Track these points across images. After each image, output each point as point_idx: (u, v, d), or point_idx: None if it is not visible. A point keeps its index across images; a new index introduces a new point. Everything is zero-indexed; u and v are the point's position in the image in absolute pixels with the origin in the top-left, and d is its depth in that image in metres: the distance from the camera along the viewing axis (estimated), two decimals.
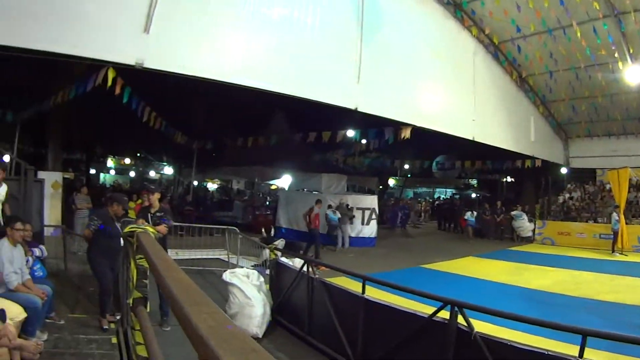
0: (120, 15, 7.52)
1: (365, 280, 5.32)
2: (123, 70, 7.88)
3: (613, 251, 15.34)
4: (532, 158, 19.66)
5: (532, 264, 13.48)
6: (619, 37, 14.37)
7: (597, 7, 13.36)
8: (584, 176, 21.90)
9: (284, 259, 7.58)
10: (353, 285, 5.76)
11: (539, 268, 12.83)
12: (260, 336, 6.26)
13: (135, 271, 3.39)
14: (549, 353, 3.44)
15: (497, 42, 16.43)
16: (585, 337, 3.24)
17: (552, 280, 11.00)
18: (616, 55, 14.78)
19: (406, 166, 33.21)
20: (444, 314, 4.20)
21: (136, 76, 8.33)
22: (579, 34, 14.18)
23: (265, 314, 6.47)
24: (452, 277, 11.41)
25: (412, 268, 12.28)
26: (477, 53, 15.99)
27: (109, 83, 7.85)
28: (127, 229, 3.74)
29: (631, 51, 14.61)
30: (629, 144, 20.11)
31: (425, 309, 4.61)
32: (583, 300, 9.04)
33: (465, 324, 3.96)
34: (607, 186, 18.81)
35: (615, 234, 15.39)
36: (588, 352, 3.28)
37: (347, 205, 16.40)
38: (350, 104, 10.80)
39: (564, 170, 22.40)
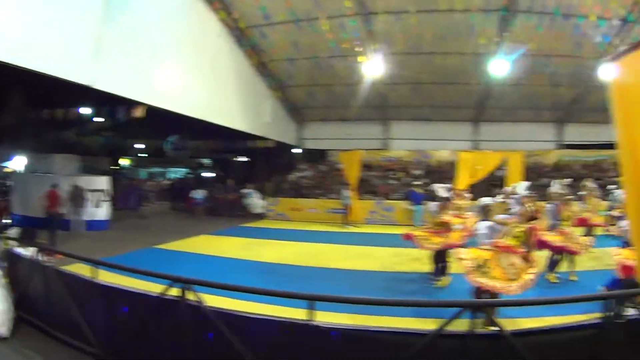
0: None
1: (98, 264, 5.21)
2: None
3: (345, 224, 17.13)
4: (265, 139, 20.54)
5: (266, 238, 14.08)
6: (365, 34, 16.05)
7: (349, 5, 14.64)
8: (317, 157, 24.01)
9: (18, 249, 6.74)
10: (89, 272, 5.24)
11: (274, 242, 13.47)
12: (6, 335, 5.55)
13: None
14: (282, 320, 3.75)
15: (244, 26, 16.44)
16: (312, 301, 3.59)
17: (288, 253, 11.62)
18: (359, 49, 16.41)
19: (141, 146, 31.59)
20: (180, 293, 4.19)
21: None
22: (326, 27, 15.34)
23: (7, 311, 5.75)
24: (186, 255, 11.32)
25: (147, 249, 11.80)
26: (222, 36, 15.89)
27: None
28: None
29: (375, 47, 16.40)
30: (362, 129, 23.04)
31: (161, 289, 4.42)
32: (321, 269, 9.80)
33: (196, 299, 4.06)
34: (338, 166, 20.87)
35: (347, 208, 17.23)
36: (324, 315, 3.69)
37: (79, 187, 14.70)
38: (86, 80, 9.64)
39: (297, 151, 24.11)
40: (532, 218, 6.16)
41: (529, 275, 5.48)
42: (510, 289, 5.39)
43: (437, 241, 8.18)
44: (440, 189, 9.78)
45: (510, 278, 5.51)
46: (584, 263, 9.09)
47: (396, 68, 17.35)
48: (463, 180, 15.69)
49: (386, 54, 16.59)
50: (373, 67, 16.50)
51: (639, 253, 4.58)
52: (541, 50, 16.25)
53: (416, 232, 8.66)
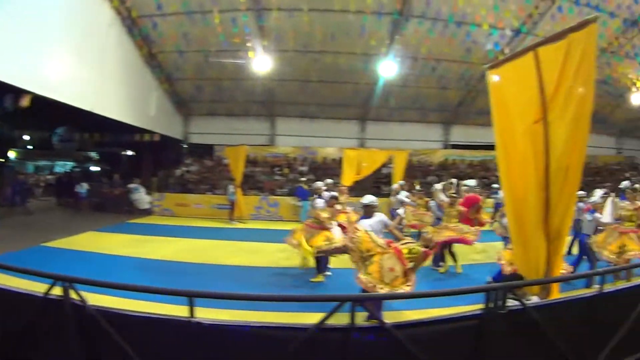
0: None
1: None
2: None
3: (231, 220, 16.87)
4: (151, 132, 19.75)
5: (153, 235, 13.56)
6: (257, 29, 16.07)
7: (242, 0, 14.60)
8: (203, 152, 23.40)
9: None
10: None
11: (161, 239, 12.98)
12: None
13: None
14: (164, 317, 3.71)
15: (136, 16, 15.78)
16: (191, 298, 3.51)
17: (174, 249, 11.33)
18: (249, 44, 16.33)
19: (27, 138, 28.96)
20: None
21: None
22: (217, 21, 15.03)
23: None
24: (73, 253, 10.62)
25: (34, 247, 10.82)
26: (113, 25, 15.13)
27: None
28: None
29: (265, 43, 16.49)
30: (249, 124, 22.87)
31: (44, 289, 4.14)
32: (208, 265, 9.69)
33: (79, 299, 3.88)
34: (225, 161, 20.48)
35: (232, 204, 16.97)
36: (207, 311, 3.65)
37: None
38: None
39: (183, 146, 23.37)
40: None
41: (401, 288, 5.56)
42: (378, 289, 5.47)
43: (318, 240, 8.30)
44: (321, 186, 10.02)
45: (383, 280, 5.57)
46: (470, 256, 9.74)
47: (285, 65, 17.64)
48: (348, 176, 16.00)
49: (276, 51, 16.76)
50: (262, 63, 16.56)
51: (517, 249, 4.89)
52: (432, 54, 17.40)
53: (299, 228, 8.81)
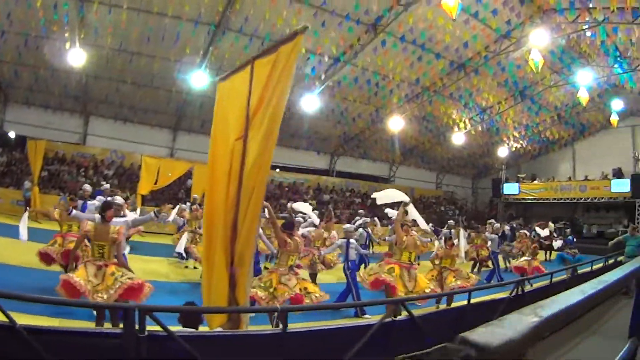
0: None
1: None
2: None
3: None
4: None
5: None
6: (76, 20, 15.43)
7: None
8: (15, 143, 21.67)
9: None
10: None
11: None
12: None
13: None
14: None
15: None
16: None
17: None
18: (67, 35, 15.65)
19: None
20: None
21: None
22: (38, 4, 14.16)
23: None
24: None
25: None
26: None
27: None
28: None
29: (82, 36, 15.87)
30: (64, 119, 21.58)
31: None
32: None
33: None
34: None
35: (27, 201, 16.02)
36: None
37: None
38: None
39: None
40: None
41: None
42: None
43: None
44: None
45: None
46: None
47: (101, 62, 17.07)
48: (146, 185, 15.65)
49: (92, 46, 16.23)
50: (77, 56, 15.92)
51: (205, 274, 4.38)
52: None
53: None
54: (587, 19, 16.13)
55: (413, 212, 7.88)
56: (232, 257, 3.97)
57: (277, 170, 26.30)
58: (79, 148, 22.17)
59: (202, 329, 4.17)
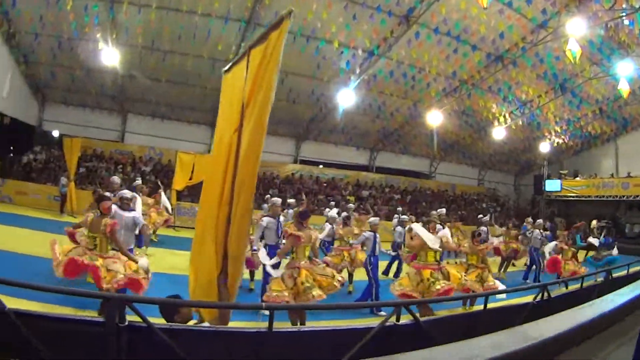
0: None
1: None
2: None
3: (62, 212, 16.24)
4: (2, 115, 18.74)
5: None
6: (107, 21, 15.77)
7: None
8: (54, 141, 22.27)
9: None
10: None
11: None
12: None
13: None
14: None
15: None
16: None
17: None
18: (98, 36, 15.97)
19: None
20: None
21: None
22: (69, 7, 14.56)
23: None
24: None
25: None
26: None
27: None
28: None
29: (114, 36, 16.19)
30: (102, 118, 22.21)
31: None
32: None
33: None
34: None
35: (63, 196, 16.37)
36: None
37: None
38: None
39: (36, 132, 22.18)
40: None
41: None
42: None
43: None
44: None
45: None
46: None
47: (135, 61, 17.28)
48: (180, 181, 15.80)
49: (125, 45, 16.46)
50: (110, 56, 16.26)
51: (193, 267, 4.28)
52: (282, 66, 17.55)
53: None
54: (623, 5, 15.27)
55: (420, 231, 7.49)
56: (226, 251, 3.87)
57: (320, 166, 26.36)
58: (118, 145, 22.67)
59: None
